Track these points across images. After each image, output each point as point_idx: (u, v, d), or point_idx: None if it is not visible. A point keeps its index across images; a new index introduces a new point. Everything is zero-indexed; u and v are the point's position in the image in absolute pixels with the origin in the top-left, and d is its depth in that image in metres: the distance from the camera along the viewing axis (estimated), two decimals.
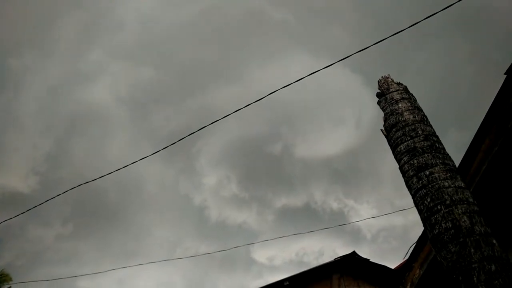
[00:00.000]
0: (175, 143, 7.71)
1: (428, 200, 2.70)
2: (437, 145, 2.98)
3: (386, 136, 3.29)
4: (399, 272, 7.48)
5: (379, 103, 3.42)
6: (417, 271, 6.13)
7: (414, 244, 6.36)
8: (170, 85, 31.12)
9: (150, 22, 31.01)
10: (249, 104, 6.73)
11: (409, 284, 6.21)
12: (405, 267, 6.75)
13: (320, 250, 26.05)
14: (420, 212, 2.79)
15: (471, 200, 2.65)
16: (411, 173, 2.89)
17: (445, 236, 2.53)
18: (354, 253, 7.44)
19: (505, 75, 4.39)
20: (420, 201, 2.77)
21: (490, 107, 4.50)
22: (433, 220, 2.63)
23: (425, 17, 5.69)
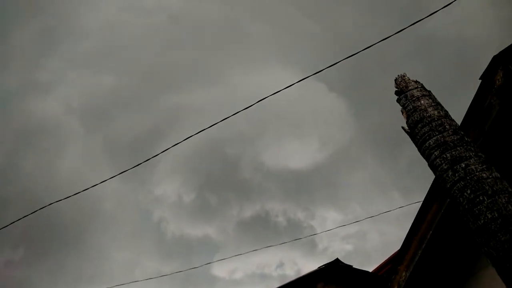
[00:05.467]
0: (138, 165, 7.31)
1: (468, 191, 2.73)
2: (466, 139, 3.04)
3: (409, 133, 3.31)
4: (380, 277, 7.60)
5: (398, 100, 3.45)
6: (404, 274, 6.23)
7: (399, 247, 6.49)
8: (135, 90, 29.89)
9: (114, 28, 29.75)
10: (215, 124, 6.60)
11: (395, 287, 6.28)
12: (389, 271, 6.85)
13: (280, 261, 26.00)
14: (459, 204, 2.80)
15: (510, 190, 2.71)
16: (445, 167, 2.91)
17: (493, 226, 2.55)
18: (337, 260, 7.46)
19: (480, 80, 4.67)
20: (459, 194, 2.79)
21: (467, 111, 4.74)
22: (477, 211, 2.65)
23: (395, 32, 5.99)
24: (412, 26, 5.77)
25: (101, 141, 29.30)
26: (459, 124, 4.26)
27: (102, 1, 29.74)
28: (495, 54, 4.24)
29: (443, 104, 3.34)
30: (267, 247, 10.82)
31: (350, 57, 5.85)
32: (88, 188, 7.67)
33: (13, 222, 7.22)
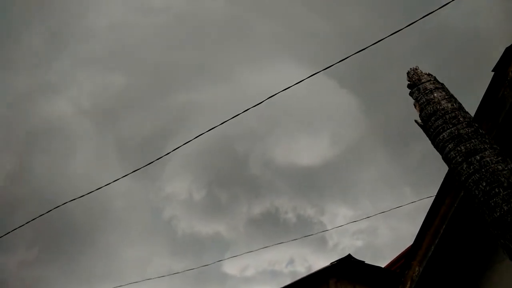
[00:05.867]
0: (149, 164, 7.37)
1: (484, 184, 2.71)
2: (481, 131, 3.02)
3: (422, 126, 3.29)
4: (392, 272, 7.57)
5: (411, 94, 3.43)
6: (417, 269, 6.19)
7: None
8: (144, 90, 30.18)
9: (122, 28, 30.01)
10: (226, 121, 6.62)
11: (409, 282, 6.24)
12: (402, 266, 6.82)
13: (291, 257, 26.09)
14: (474, 197, 2.78)
15: None
16: (460, 160, 2.89)
17: (509, 218, 2.53)
18: (349, 256, 7.45)
19: (493, 72, 4.62)
20: (474, 186, 2.76)
21: (480, 103, 4.69)
22: (493, 204, 2.62)
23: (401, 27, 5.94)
24: (423, 19, 5.72)
25: (111, 141, 29.63)
26: (474, 114, 4.24)
27: (109, 3, 30.01)
28: (508, 46, 4.19)
29: (456, 96, 3.31)
30: (278, 244, 10.81)
31: (360, 52, 5.82)
32: (101, 187, 7.76)
33: (28, 222, 7.33)
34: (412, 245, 6.20)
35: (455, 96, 3.57)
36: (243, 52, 30.19)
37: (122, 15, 29.64)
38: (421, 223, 5.87)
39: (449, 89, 3.60)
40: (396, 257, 7.98)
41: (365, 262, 7.57)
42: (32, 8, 27.31)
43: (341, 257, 7.57)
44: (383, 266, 8.02)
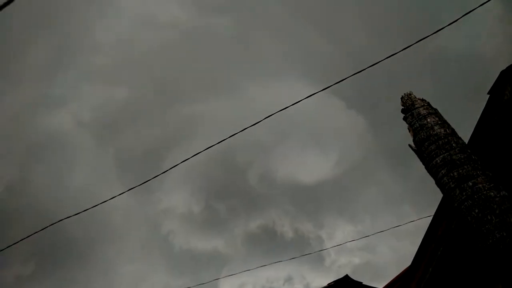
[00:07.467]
0: (147, 181, 7.36)
1: (476, 210, 2.71)
2: (473, 157, 3.02)
3: (416, 151, 3.30)
4: None
5: (405, 118, 3.45)
6: None
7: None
8: (147, 103, 30.40)
9: (128, 43, 30.40)
10: (223, 141, 6.64)
11: None
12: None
13: (288, 275, 25.79)
14: (468, 223, 2.77)
15: None
16: (452, 185, 2.89)
17: (501, 245, 2.52)
18: (347, 276, 7.36)
19: (488, 95, 4.65)
20: (467, 212, 2.76)
21: (477, 124, 4.71)
22: (485, 231, 2.62)
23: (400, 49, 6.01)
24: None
25: (112, 154, 29.70)
26: (470, 136, 4.25)
27: (115, 17, 30.46)
28: (503, 69, 4.23)
29: (455, 118, 3.33)
30: (276, 262, 10.69)
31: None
32: (97, 205, 7.72)
33: (23, 239, 7.27)
34: (409, 267, 6.14)
35: (455, 117, 3.59)
36: (249, 68, 30.43)
37: (129, 30, 30.03)
38: (419, 244, 5.83)
39: (450, 111, 3.62)
40: (394, 278, 7.86)
41: (363, 283, 7.48)
42: (38, 22, 27.72)
43: (339, 276, 7.49)
44: (381, 287, 7.91)
